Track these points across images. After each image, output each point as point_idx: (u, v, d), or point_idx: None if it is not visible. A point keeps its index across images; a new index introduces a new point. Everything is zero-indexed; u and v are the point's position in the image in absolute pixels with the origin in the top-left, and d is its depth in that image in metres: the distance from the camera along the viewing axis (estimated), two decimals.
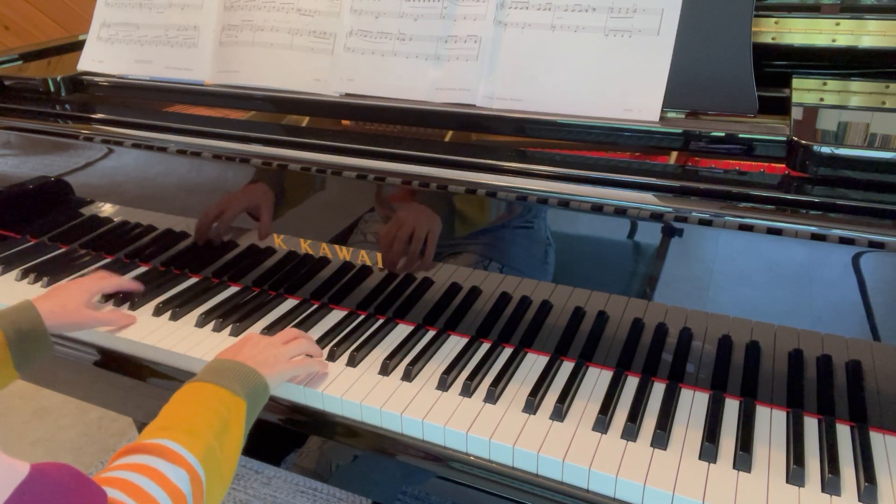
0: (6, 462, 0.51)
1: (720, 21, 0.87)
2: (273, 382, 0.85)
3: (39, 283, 1.18)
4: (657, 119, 0.89)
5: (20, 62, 1.40)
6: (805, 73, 0.94)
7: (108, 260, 1.25)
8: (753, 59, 0.86)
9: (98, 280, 1.08)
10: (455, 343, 0.99)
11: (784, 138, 0.81)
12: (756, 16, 0.92)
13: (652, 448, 0.79)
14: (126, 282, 1.12)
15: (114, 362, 1.06)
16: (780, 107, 0.89)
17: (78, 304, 1.01)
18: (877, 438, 0.80)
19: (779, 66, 0.96)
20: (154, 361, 1.02)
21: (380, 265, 1.00)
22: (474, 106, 0.98)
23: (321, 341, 0.99)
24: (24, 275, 1.20)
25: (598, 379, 0.91)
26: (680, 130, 0.88)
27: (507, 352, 0.96)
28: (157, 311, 1.08)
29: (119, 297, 1.12)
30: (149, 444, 0.67)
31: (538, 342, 0.96)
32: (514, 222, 0.90)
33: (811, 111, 0.86)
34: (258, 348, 0.87)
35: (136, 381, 1.04)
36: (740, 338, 0.83)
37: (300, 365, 0.90)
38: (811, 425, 0.82)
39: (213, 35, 1.17)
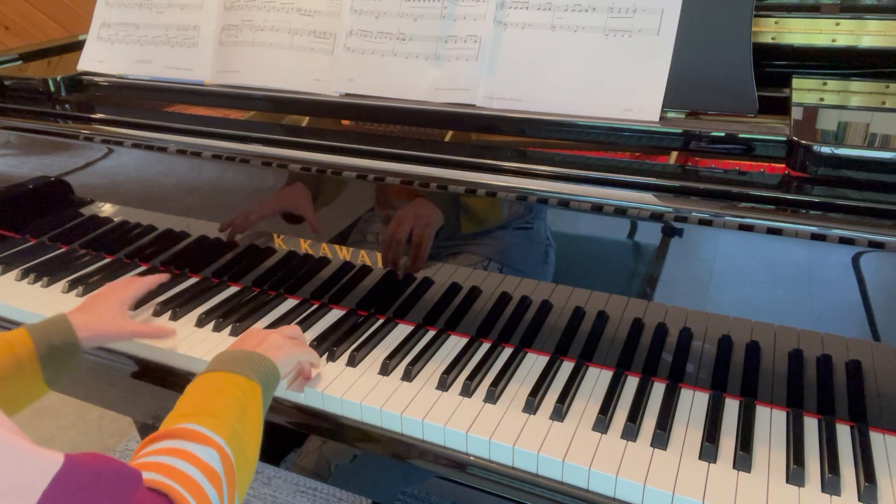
0: (41, 453, 0.52)
1: (720, 21, 0.87)
2: (282, 365, 0.85)
3: (39, 283, 1.18)
4: (657, 119, 0.89)
5: (20, 62, 1.40)
6: (805, 73, 0.94)
7: (108, 260, 1.25)
8: (753, 59, 0.86)
9: (128, 287, 1.05)
10: (455, 343, 0.99)
11: (784, 138, 0.81)
12: (756, 16, 0.92)
13: (652, 448, 0.79)
14: (153, 281, 1.10)
15: (113, 362, 1.06)
16: (780, 107, 0.89)
17: (113, 315, 0.98)
18: (877, 438, 0.80)
19: (779, 66, 0.96)
20: (154, 361, 1.02)
21: (380, 265, 1.00)
22: (474, 106, 0.98)
23: (321, 341, 0.99)
24: (24, 275, 1.20)
25: (598, 379, 0.91)
26: (680, 130, 0.88)
27: (507, 352, 0.96)
28: (157, 312, 1.08)
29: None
30: (174, 430, 0.68)
31: (538, 342, 0.96)
32: (514, 222, 0.90)
33: (811, 111, 0.86)
34: (261, 337, 0.87)
35: (136, 381, 1.04)
36: (740, 338, 0.83)
37: (304, 349, 0.90)
38: (811, 425, 0.82)
39: (213, 35, 1.17)
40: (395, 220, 0.96)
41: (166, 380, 1.01)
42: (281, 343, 0.86)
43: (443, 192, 0.91)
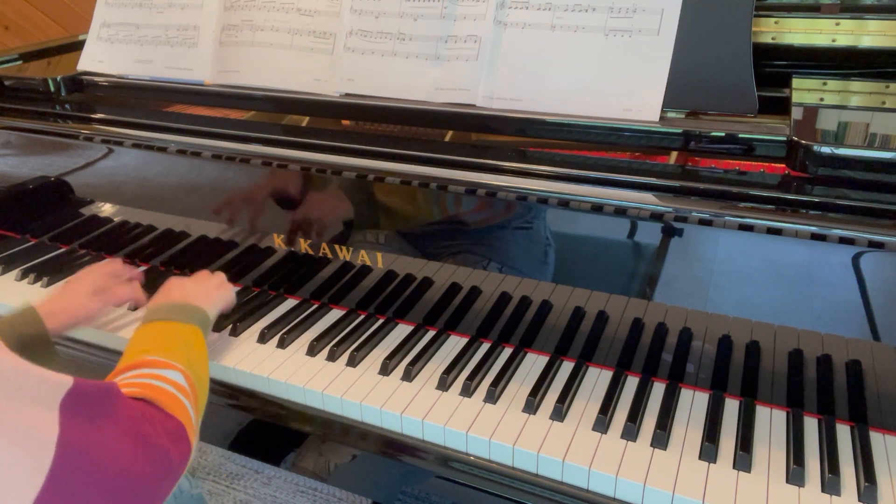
0: (51, 375, 0.58)
1: (720, 21, 0.87)
2: (211, 310, 0.92)
3: (39, 283, 1.18)
4: (657, 119, 0.89)
5: (20, 62, 1.40)
6: (805, 73, 0.94)
7: (108, 260, 1.25)
8: (753, 59, 0.86)
9: (102, 275, 1.04)
10: (455, 343, 0.99)
11: (784, 138, 0.81)
12: (756, 16, 0.92)
13: (652, 448, 0.79)
14: (127, 270, 1.09)
15: (112, 361, 1.05)
16: (780, 107, 0.89)
17: (78, 298, 0.99)
18: (877, 438, 0.80)
19: (779, 66, 0.96)
20: None
21: (380, 265, 1.00)
22: (474, 106, 0.98)
23: (321, 341, 0.99)
24: (24, 275, 1.20)
25: (598, 379, 0.91)
26: (680, 130, 0.88)
27: (507, 352, 0.96)
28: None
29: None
30: (136, 362, 0.74)
31: (538, 342, 0.96)
32: (513, 222, 0.90)
33: (811, 111, 0.86)
34: (186, 288, 0.93)
35: None
36: (740, 338, 0.83)
37: (227, 290, 0.98)
38: (811, 425, 0.82)
39: (213, 35, 1.17)
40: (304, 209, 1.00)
41: None
42: (208, 292, 0.93)
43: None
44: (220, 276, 1.01)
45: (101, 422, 0.60)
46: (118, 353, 1.04)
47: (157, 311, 0.87)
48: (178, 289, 0.92)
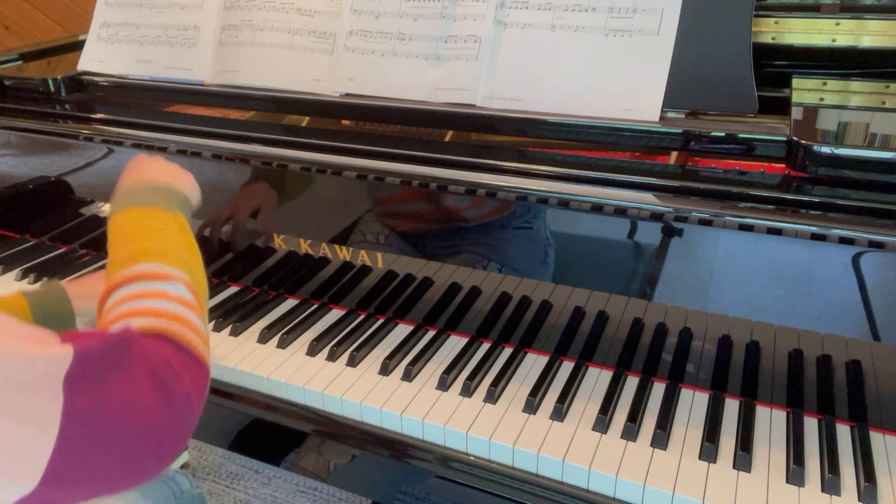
0: (48, 352, 0.55)
1: (720, 21, 0.87)
2: (189, 191, 0.83)
3: (39, 284, 1.18)
4: (657, 119, 0.89)
5: (20, 62, 1.40)
6: (805, 73, 0.94)
7: (108, 260, 1.25)
8: (753, 59, 0.86)
9: None
10: (455, 343, 0.99)
11: (784, 138, 0.81)
12: (756, 16, 0.92)
13: (652, 448, 0.79)
14: None
15: None
16: (780, 107, 0.89)
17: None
18: (877, 438, 0.80)
19: (779, 66, 0.96)
20: None
21: (380, 265, 1.01)
22: (474, 106, 0.98)
23: (321, 341, 0.99)
24: (25, 275, 1.20)
25: (598, 379, 0.91)
26: (680, 130, 0.88)
27: (507, 352, 0.96)
28: None
29: None
30: (134, 274, 0.68)
31: (538, 342, 0.96)
32: (513, 222, 0.90)
33: (811, 111, 0.86)
34: (155, 168, 0.83)
35: None
36: (740, 338, 0.83)
37: (185, 171, 0.87)
38: (811, 425, 0.82)
39: (213, 35, 1.17)
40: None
41: None
42: (176, 171, 0.84)
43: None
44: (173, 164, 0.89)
45: (113, 380, 0.57)
46: None
47: (134, 194, 0.78)
48: (147, 167, 0.82)
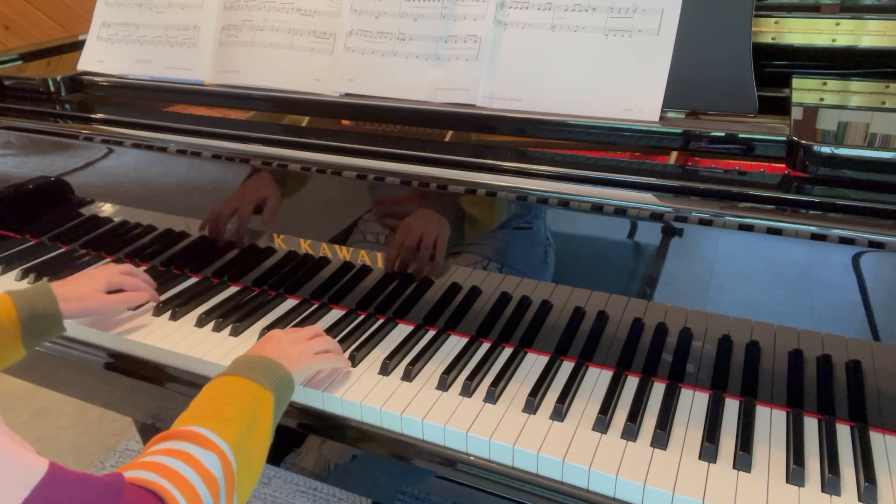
0: (26, 459, 0.52)
1: (720, 21, 0.87)
2: (298, 377, 0.86)
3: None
4: (657, 119, 0.89)
5: (20, 62, 1.40)
6: (805, 73, 0.94)
7: (107, 260, 1.25)
8: (753, 59, 0.86)
9: (118, 272, 1.07)
10: (455, 343, 0.99)
11: (784, 138, 0.81)
12: (756, 16, 0.92)
13: (652, 448, 0.79)
14: (142, 284, 1.09)
15: (113, 362, 1.06)
16: (780, 107, 0.89)
17: (94, 289, 1.01)
18: (877, 438, 0.80)
19: (779, 66, 0.96)
20: (154, 361, 1.02)
21: (380, 265, 1.00)
22: (474, 106, 0.98)
23: None
24: (25, 275, 1.20)
25: (598, 379, 0.91)
26: (680, 130, 0.88)
27: (507, 352, 0.96)
28: (157, 311, 1.08)
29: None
30: (181, 431, 0.69)
31: (538, 342, 0.96)
32: (513, 222, 0.90)
33: (811, 111, 0.86)
34: (282, 344, 0.87)
35: (136, 381, 1.04)
36: (740, 338, 0.83)
37: (324, 360, 0.90)
38: (811, 425, 0.82)
39: (213, 35, 1.17)
40: (404, 231, 0.96)
41: (167, 380, 1.01)
42: (300, 354, 0.87)
43: (448, 201, 0.91)
44: (324, 342, 0.93)
45: None
46: (119, 354, 1.05)
47: (240, 364, 0.82)
48: (276, 342, 0.87)
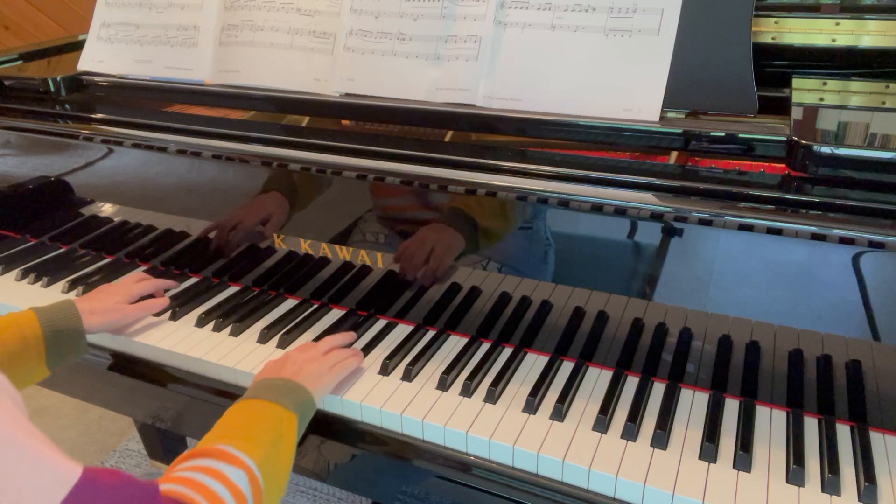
0: (61, 463, 0.52)
1: (720, 21, 0.87)
2: (318, 396, 0.86)
3: (39, 283, 1.18)
4: (657, 119, 0.89)
5: (20, 62, 1.40)
6: (805, 73, 0.94)
7: (108, 260, 1.25)
8: (753, 59, 0.86)
9: (135, 283, 1.09)
10: (455, 343, 0.99)
11: (784, 138, 0.81)
12: (756, 16, 0.92)
13: (652, 448, 0.79)
14: (162, 282, 1.12)
15: (113, 362, 1.06)
16: (780, 107, 0.89)
17: (116, 301, 1.02)
18: (877, 438, 0.80)
19: (779, 66, 0.96)
20: (154, 361, 1.02)
21: (380, 265, 1.00)
22: (474, 106, 0.98)
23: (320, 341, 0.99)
24: (24, 275, 1.20)
25: (598, 379, 0.91)
26: (680, 130, 0.88)
27: (507, 352, 0.96)
28: (158, 311, 1.08)
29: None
30: (209, 449, 0.69)
31: (538, 342, 0.96)
32: (513, 222, 0.90)
33: (811, 111, 0.86)
34: (298, 364, 0.87)
35: (136, 380, 1.04)
36: (740, 338, 0.83)
37: (342, 371, 0.91)
38: (811, 425, 0.82)
39: (213, 35, 1.17)
40: (414, 244, 0.97)
41: (167, 380, 1.02)
42: (318, 372, 0.87)
43: (462, 211, 0.91)
44: (339, 354, 0.93)
45: None
46: (119, 354, 1.05)
47: (261, 387, 0.83)
48: (293, 363, 0.88)
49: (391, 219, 0.98)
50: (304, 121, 1.09)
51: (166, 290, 1.13)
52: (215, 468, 0.67)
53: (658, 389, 0.89)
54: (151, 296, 1.10)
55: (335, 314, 1.07)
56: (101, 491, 0.53)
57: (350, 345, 0.99)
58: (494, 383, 0.89)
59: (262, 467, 0.70)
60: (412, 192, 0.93)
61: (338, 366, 0.90)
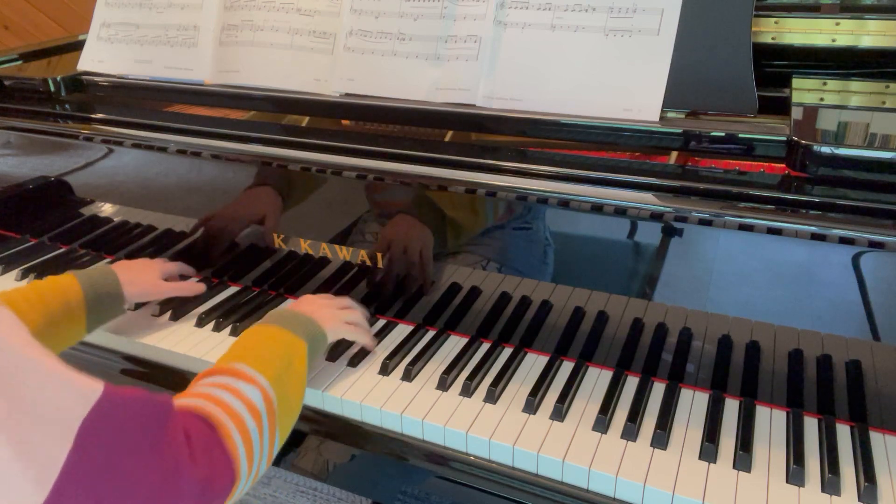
0: (83, 381, 0.55)
1: (720, 21, 0.87)
2: (330, 335, 0.90)
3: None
4: (657, 119, 0.89)
5: (20, 62, 1.40)
6: (805, 73, 0.94)
7: (108, 260, 1.25)
8: (753, 59, 0.86)
9: (164, 262, 1.12)
10: (455, 343, 0.99)
11: (784, 138, 0.81)
12: (756, 16, 0.92)
13: (652, 448, 0.79)
14: (188, 267, 1.16)
15: (113, 362, 1.06)
16: (780, 107, 0.89)
17: (151, 276, 1.05)
18: (877, 438, 0.80)
19: (779, 66, 0.96)
20: (154, 361, 1.02)
21: (380, 265, 1.00)
22: (474, 106, 0.98)
23: None
24: (25, 275, 1.20)
25: (598, 379, 0.91)
26: (680, 130, 0.88)
27: (507, 352, 0.96)
28: (158, 311, 1.08)
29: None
30: (224, 367, 0.74)
31: (538, 342, 0.96)
32: (513, 222, 0.90)
33: (811, 111, 0.86)
34: (316, 304, 0.93)
35: (136, 381, 1.04)
36: (740, 338, 0.83)
37: (353, 331, 0.94)
38: (811, 425, 0.82)
39: (213, 35, 1.17)
40: (384, 240, 0.98)
41: (166, 380, 1.01)
42: (332, 317, 0.92)
43: (432, 205, 0.92)
44: (354, 315, 0.96)
45: (131, 440, 0.56)
46: (119, 354, 1.05)
47: (275, 315, 0.88)
48: (309, 303, 0.93)
49: (381, 215, 0.98)
50: (304, 121, 1.10)
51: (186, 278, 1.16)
52: (230, 384, 0.71)
53: (658, 389, 0.89)
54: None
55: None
56: (118, 406, 0.56)
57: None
58: (494, 383, 0.89)
59: (276, 386, 0.74)
60: (398, 188, 0.94)
61: (352, 326, 0.95)
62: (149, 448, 0.57)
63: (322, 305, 0.93)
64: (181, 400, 0.67)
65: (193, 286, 1.09)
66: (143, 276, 1.04)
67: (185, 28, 1.19)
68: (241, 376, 0.72)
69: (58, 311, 0.91)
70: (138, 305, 1.09)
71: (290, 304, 0.94)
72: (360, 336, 0.95)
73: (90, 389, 0.54)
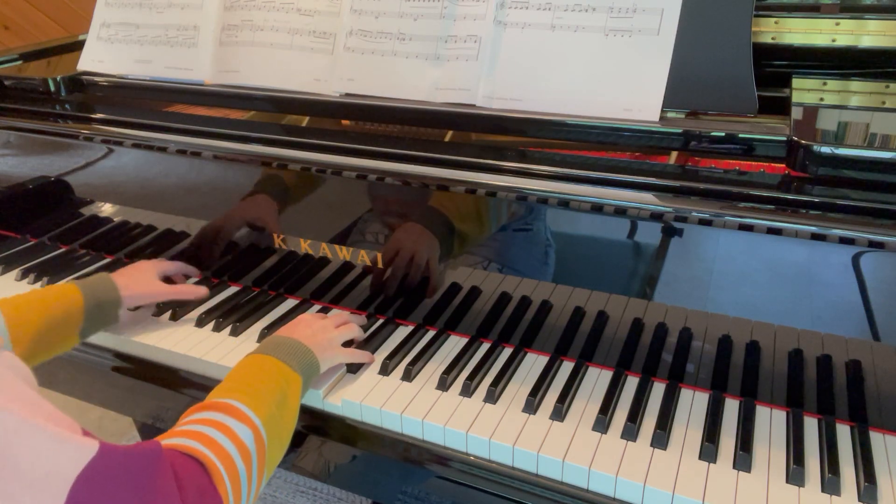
0: (78, 439, 0.54)
1: (720, 21, 0.87)
2: (324, 365, 0.89)
3: (39, 283, 1.18)
4: (657, 119, 0.89)
5: (20, 62, 1.40)
6: (805, 73, 0.94)
7: (107, 260, 1.25)
8: (753, 59, 0.86)
9: (162, 262, 1.12)
10: (455, 343, 0.99)
11: (784, 138, 0.81)
12: (756, 16, 0.92)
13: (652, 448, 0.79)
14: (188, 267, 1.16)
15: (113, 362, 1.06)
16: (780, 107, 0.89)
17: (148, 277, 1.05)
18: (877, 438, 0.80)
19: (779, 66, 0.96)
20: (154, 361, 1.02)
21: (380, 265, 1.00)
22: (474, 106, 0.98)
23: None
24: (24, 275, 1.20)
25: (598, 379, 0.91)
26: (680, 130, 0.88)
27: (507, 352, 0.96)
28: (158, 311, 1.08)
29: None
30: (218, 403, 0.72)
31: (538, 342, 0.96)
32: (514, 224, 0.90)
33: (811, 111, 0.86)
34: (311, 329, 0.91)
35: (136, 380, 1.04)
36: (740, 338, 0.83)
37: (349, 355, 0.94)
38: (811, 425, 0.82)
39: (213, 35, 1.17)
40: (391, 248, 0.98)
41: (166, 380, 1.02)
42: (329, 344, 0.91)
43: (442, 217, 0.92)
44: (350, 331, 0.97)
45: (120, 498, 0.55)
46: (119, 354, 1.05)
47: (271, 344, 0.86)
48: (306, 326, 0.91)
49: (381, 214, 0.98)
50: (304, 121, 1.09)
51: (187, 278, 1.16)
52: (223, 422, 0.69)
53: (658, 389, 0.89)
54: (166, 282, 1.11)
55: (336, 314, 1.07)
56: (112, 463, 0.55)
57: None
58: (494, 383, 0.89)
59: (267, 425, 0.73)
60: (395, 189, 0.94)
61: (348, 350, 0.94)
62: (139, 501, 0.57)
63: (319, 329, 0.91)
64: (172, 440, 0.65)
65: (193, 289, 1.08)
66: (140, 280, 1.03)
67: (185, 28, 1.19)
68: (234, 414, 0.70)
69: (58, 317, 0.92)
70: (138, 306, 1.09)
71: (287, 327, 0.91)
72: (357, 359, 0.94)
73: (85, 448, 0.54)
